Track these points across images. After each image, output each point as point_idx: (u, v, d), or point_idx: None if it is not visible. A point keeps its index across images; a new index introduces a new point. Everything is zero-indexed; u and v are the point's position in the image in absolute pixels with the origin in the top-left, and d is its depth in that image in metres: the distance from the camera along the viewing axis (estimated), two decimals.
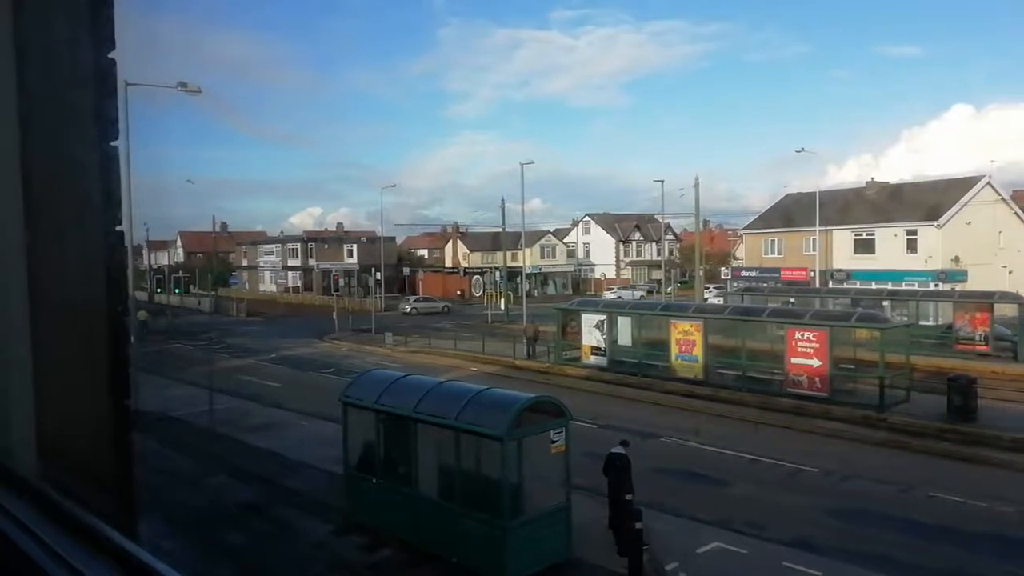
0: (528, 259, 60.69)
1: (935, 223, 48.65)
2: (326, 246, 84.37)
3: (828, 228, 52.42)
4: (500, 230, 55.47)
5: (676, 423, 21.22)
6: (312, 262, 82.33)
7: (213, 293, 71.85)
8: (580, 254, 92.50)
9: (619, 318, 29.01)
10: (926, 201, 51.16)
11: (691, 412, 22.75)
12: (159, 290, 72.82)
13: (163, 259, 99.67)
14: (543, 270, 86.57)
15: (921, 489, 15.31)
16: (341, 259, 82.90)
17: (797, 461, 17.37)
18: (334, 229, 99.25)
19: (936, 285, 45.39)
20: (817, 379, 22.49)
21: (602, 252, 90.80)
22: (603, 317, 29.07)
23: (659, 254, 76.09)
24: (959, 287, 43.97)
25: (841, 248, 53.51)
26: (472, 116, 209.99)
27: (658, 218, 66.43)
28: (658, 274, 72.47)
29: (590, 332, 29.35)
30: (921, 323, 32.39)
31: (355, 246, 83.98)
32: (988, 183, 51.57)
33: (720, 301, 42.09)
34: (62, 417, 1.21)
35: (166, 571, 0.93)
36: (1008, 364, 28.57)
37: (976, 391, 20.33)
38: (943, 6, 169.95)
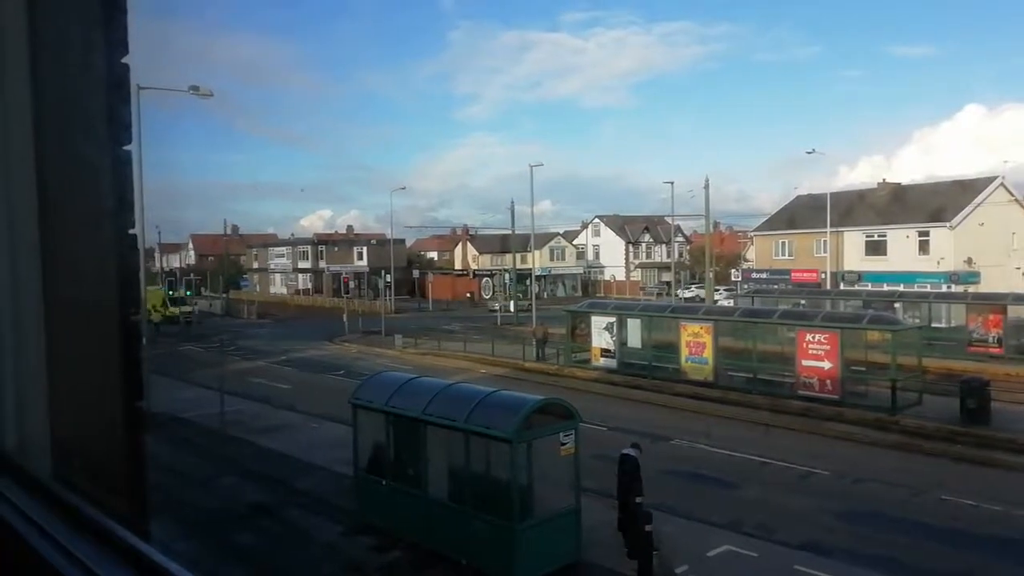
0: (537, 261, 60.63)
1: (947, 224, 48.27)
2: (336, 248, 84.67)
3: (839, 229, 52.13)
4: (509, 232, 55.48)
5: (686, 425, 21.15)
6: (322, 264, 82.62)
7: (224, 295, 72.25)
8: (590, 256, 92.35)
9: (628, 320, 28.95)
10: (938, 202, 50.78)
11: (701, 414, 22.66)
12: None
13: (175, 262, 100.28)
14: (552, 272, 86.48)
15: (933, 492, 15.18)
16: (351, 261, 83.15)
17: (808, 464, 17.27)
18: (344, 232, 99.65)
19: (948, 287, 45.03)
20: (828, 381, 22.36)
21: (612, 254, 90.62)
22: (613, 319, 29.03)
23: (669, 256, 75.89)
24: (972, 289, 43.61)
25: (852, 250, 53.18)
26: (482, 118, 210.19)
27: (668, 220, 66.31)
28: (668, 276, 72.30)
29: (600, 334, 29.31)
30: (933, 325, 32.15)
31: (365, 248, 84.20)
32: (1001, 184, 51.13)
33: (730, 303, 41.92)
34: (75, 418, 1.22)
35: (178, 571, 0.94)
36: (1022, 366, 28.30)
37: (990, 394, 20.17)
38: (955, 6, 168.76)
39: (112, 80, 1.00)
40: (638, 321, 28.75)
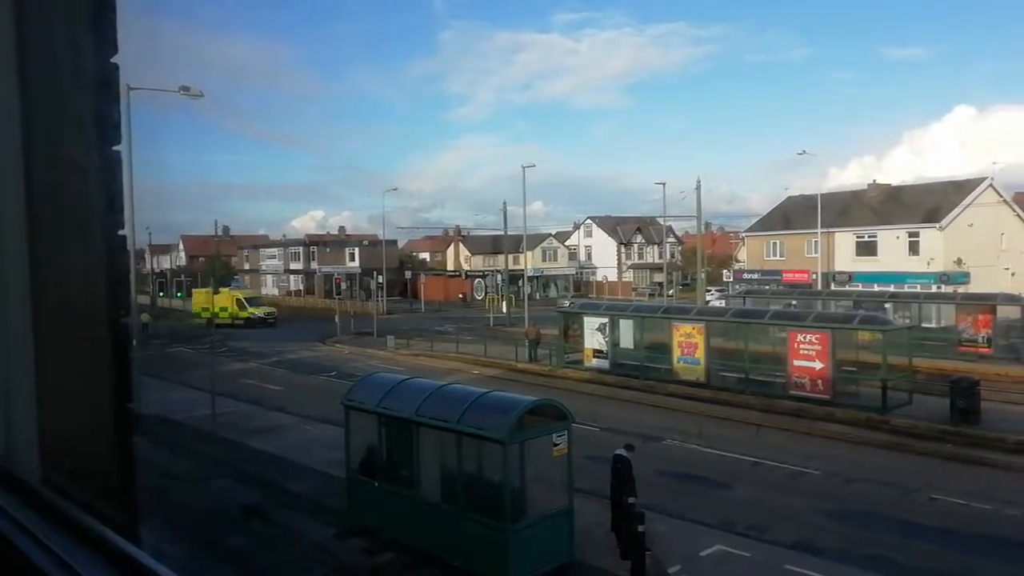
0: (530, 262, 60.65)
1: (937, 225, 48.59)
2: (328, 249, 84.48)
3: (830, 230, 52.39)
4: (502, 233, 55.45)
5: (678, 425, 21.20)
6: (314, 265, 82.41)
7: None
8: (582, 257, 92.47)
9: (621, 321, 28.99)
10: (928, 203, 51.11)
11: (693, 415, 22.72)
12: (161, 294, 72.90)
13: (165, 263, 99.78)
14: (545, 273, 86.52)
15: (924, 492, 15.26)
16: (343, 262, 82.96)
17: (799, 463, 17.34)
18: (336, 232, 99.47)
19: (938, 287, 45.31)
20: (819, 381, 22.46)
21: (604, 255, 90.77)
22: (605, 320, 29.07)
23: (661, 257, 76.05)
24: (961, 289, 43.88)
25: (843, 250, 53.46)
26: (474, 119, 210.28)
27: (660, 220, 66.45)
28: (660, 277, 72.45)
29: (592, 335, 29.34)
30: (924, 325, 32.32)
31: (357, 249, 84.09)
32: (990, 185, 51.49)
33: (722, 304, 42.05)
34: (65, 421, 1.21)
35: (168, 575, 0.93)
36: (1012, 366, 28.50)
37: (979, 393, 20.29)
38: (946, 8, 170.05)
39: (101, 80, 0.99)
40: (630, 322, 28.80)
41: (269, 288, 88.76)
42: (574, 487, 11.96)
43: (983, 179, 51.58)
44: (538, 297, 74.77)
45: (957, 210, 49.05)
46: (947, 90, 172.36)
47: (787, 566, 11.74)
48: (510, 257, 55.81)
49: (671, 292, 63.42)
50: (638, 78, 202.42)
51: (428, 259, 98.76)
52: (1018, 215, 54.25)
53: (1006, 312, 31.10)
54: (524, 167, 37.00)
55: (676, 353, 26.34)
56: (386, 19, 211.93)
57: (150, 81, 23.75)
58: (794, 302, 39.11)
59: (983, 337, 30.76)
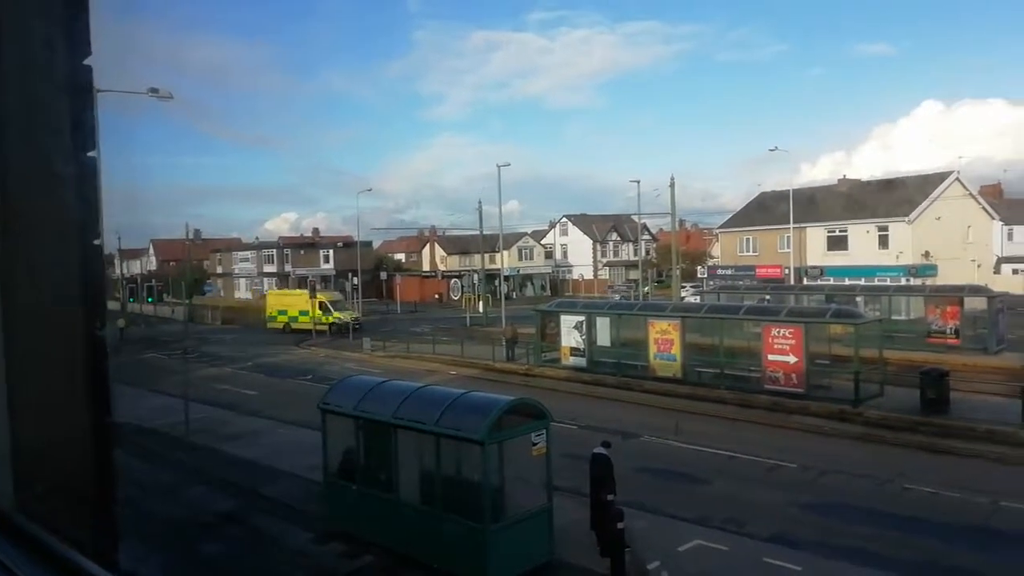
0: (506, 261, 60.65)
1: (906, 219, 49.50)
2: (302, 252, 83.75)
3: (802, 225, 53.11)
4: (477, 233, 55.40)
5: (656, 422, 21.33)
6: (288, 268, 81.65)
7: (187, 301, 70.90)
8: (558, 255, 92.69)
9: (598, 319, 29.11)
10: (897, 197, 52.05)
11: (670, 411, 22.87)
12: (132, 299, 71.66)
13: (136, 268, 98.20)
14: (521, 272, 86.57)
15: (897, 482, 15.52)
16: (317, 265, 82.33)
17: (775, 457, 17.54)
18: (310, 234, 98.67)
19: (907, 280, 46.16)
20: (794, 375, 22.73)
21: (580, 253, 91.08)
22: (582, 318, 29.15)
23: (636, 254, 76.48)
24: (929, 281, 44.73)
25: (815, 245, 54.21)
26: (449, 118, 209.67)
27: (634, 218, 66.82)
28: (635, 274, 72.82)
29: (569, 333, 29.42)
30: (894, 318, 32.86)
31: (331, 251, 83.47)
32: (957, 179, 52.57)
33: (697, 300, 42.39)
34: (39, 438, 1.17)
35: None
36: (978, 356, 29.11)
37: (948, 384, 20.68)
38: (913, 5, 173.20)
39: (75, 83, 0.96)
40: (607, 319, 28.93)
41: (243, 292, 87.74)
42: (553, 486, 11.99)
43: (950, 173, 52.64)
44: (515, 296, 74.82)
45: (925, 204, 50.02)
46: (915, 86, 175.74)
47: (765, 559, 11.86)
48: (486, 256, 55.75)
49: (646, 289, 63.81)
50: (612, 77, 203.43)
51: (404, 260, 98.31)
52: (984, 208, 55.45)
53: (973, 303, 31.74)
54: (500, 166, 37.03)
55: (652, 350, 26.51)
56: (361, 19, 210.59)
57: (119, 83, 23.29)
58: (768, 297, 39.54)
59: (951, 328, 31.36)
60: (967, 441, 18.24)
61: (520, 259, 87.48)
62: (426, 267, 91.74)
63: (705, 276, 65.11)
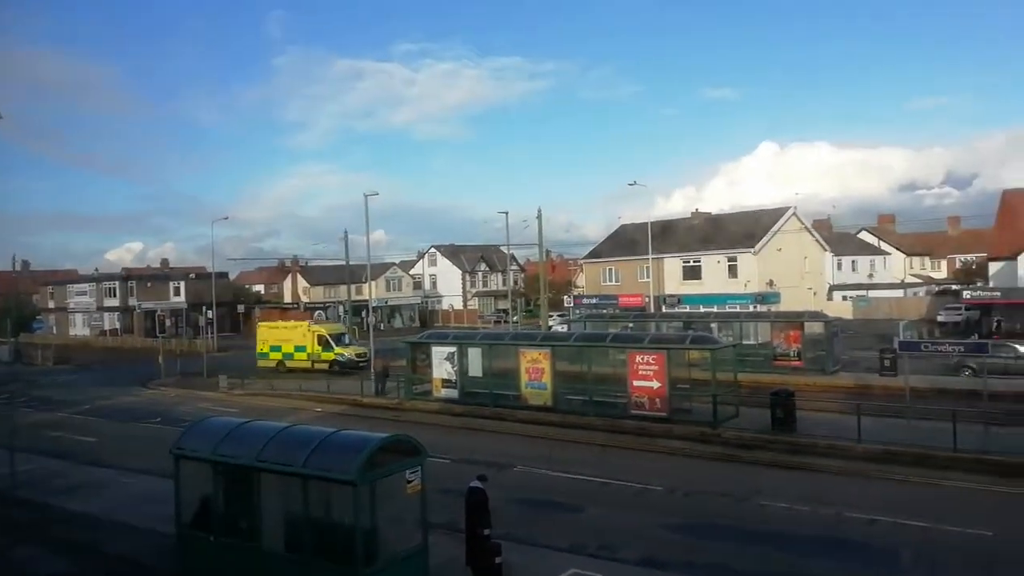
0: (374, 292, 59.45)
1: (751, 250, 53.39)
2: (149, 284, 78.10)
3: (660, 256, 55.97)
4: (342, 263, 54.00)
5: (529, 451, 21.39)
6: (133, 302, 75.77)
7: (13, 340, 63.83)
8: (427, 286, 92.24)
9: (469, 349, 28.99)
10: (743, 230, 56.14)
11: (543, 439, 23.05)
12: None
13: None
14: (389, 303, 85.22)
15: (754, 499, 16.36)
16: (167, 297, 77.08)
17: (643, 481, 18.01)
18: (158, 266, 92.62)
19: (754, 307, 49.63)
20: (657, 400, 23.61)
21: (449, 283, 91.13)
22: (453, 349, 28.92)
23: (504, 284, 77.44)
24: (774, 308, 48.35)
25: (672, 274, 57.27)
26: (312, 146, 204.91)
27: (503, 249, 67.74)
28: (504, 304, 73.64)
29: (440, 365, 29.08)
30: (744, 342, 35.10)
31: (182, 283, 78.53)
32: (794, 213, 57.48)
33: (564, 328, 43.36)
34: None
35: None
36: (818, 377, 31.61)
37: (794, 403, 22.22)
38: (755, 56, 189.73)
39: None
40: (478, 350, 28.87)
41: (79, 328, 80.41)
42: (429, 523, 11.61)
43: (787, 208, 57.49)
44: (382, 327, 73.40)
45: (767, 237, 54.25)
46: (754, 128, 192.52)
47: None
48: (352, 287, 54.38)
49: (515, 318, 64.64)
50: (479, 110, 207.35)
51: (263, 291, 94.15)
52: (817, 241, 60.90)
53: (812, 328, 34.54)
54: (367, 195, 36.21)
55: (524, 379, 26.70)
56: (219, 43, 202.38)
57: None
58: (631, 325, 41.13)
59: (794, 351, 33.92)
60: (812, 456, 19.60)
61: (388, 290, 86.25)
62: (288, 299, 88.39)
63: (571, 305, 66.95)
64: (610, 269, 61.96)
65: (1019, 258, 43.27)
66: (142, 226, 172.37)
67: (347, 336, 45.48)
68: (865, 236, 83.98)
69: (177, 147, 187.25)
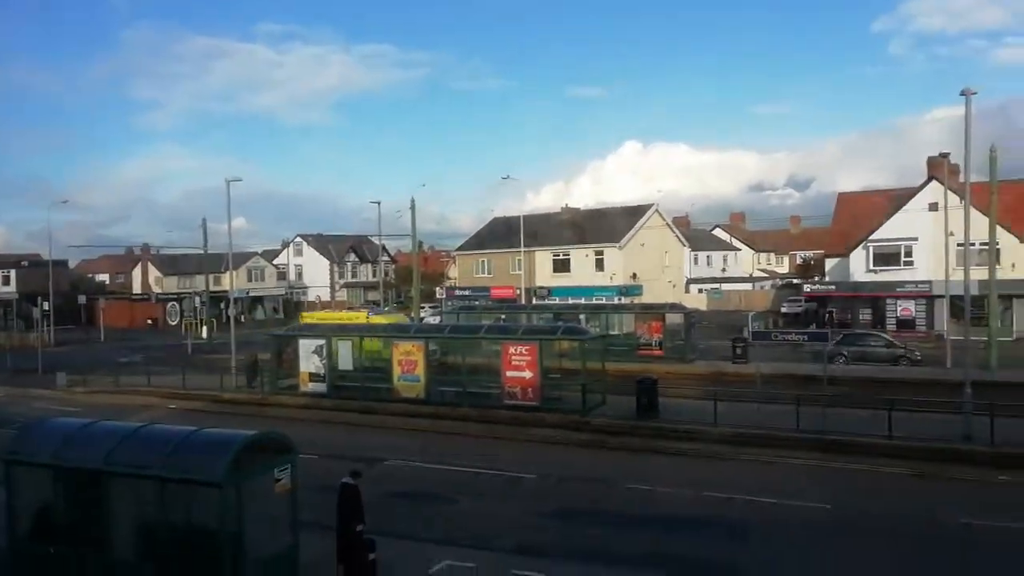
0: (234, 283, 56.54)
1: (617, 245, 55.52)
2: None
3: (531, 249, 57.00)
4: (199, 251, 50.92)
5: (401, 444, 21.12)
6: None
7: None
8: (292, 276, 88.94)
9: (339, 342, 28.16)
10: (609, 225, 58.27)
11: (416, 432, 22.85)
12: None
13: None
14: (251, 294, 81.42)
15: (622, 483, 17.01)
16: None
17: (516, 470, 18.25)
18: None
19: (619, 299, 51.65)
20: (530, 389, 24.01)
21: (316, 274, 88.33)
22: (322, 342, 27.98)
23: (375, 275, 76.03)
24: (637, 300, 50.55)
25: (543, 267, 58.52)
26: (166, 127, 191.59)
27: (374, 239, 66.48)
28: (375, 295, 72.31)
29: (308, 358, 28.05)
30: (611, 333, 36.45)
31: (12, 272, 71.29)
32: (656, 210, 60.29)
33: (437, 320, 43.18)
34: None
35: None
36: (678, 365, 33.38)
37: (657, 391, 23.30)
38: (620, 55, 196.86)
39: None
40: (349, 343, 28.11)
41: None
42: (299, 522, 11.14)
43: (650, 205, 60.22)
44: (243, 320, 70.05)
45: (632, 232, 56.61)
46: (620, 126, 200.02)
47: (513, 571, 12.14)
48: (211, 278, 51.38)
49: (386, 309, 63.66)
50: (348, 96, 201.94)
51: (108, 281, 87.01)
52: (677, 237, 64.28)
53: (673, 319, 36.44)
54: (229, 180, 34.08)
55: (397, 372, 26.29)
56: (55, 12, 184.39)
57: None
58: (503, 316, 41.61)
59: (656, 341, 35.64)
60: (674, 440, 20.66)
61: (250, 280, 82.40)
62: (137, 289, 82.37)
63: (443, 297, 66.82)
64: (483, 261, 62.39)
65: (851, 255, 47.69)
66: None
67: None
68: (719, 233, 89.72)
69: (8, 122, 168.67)
